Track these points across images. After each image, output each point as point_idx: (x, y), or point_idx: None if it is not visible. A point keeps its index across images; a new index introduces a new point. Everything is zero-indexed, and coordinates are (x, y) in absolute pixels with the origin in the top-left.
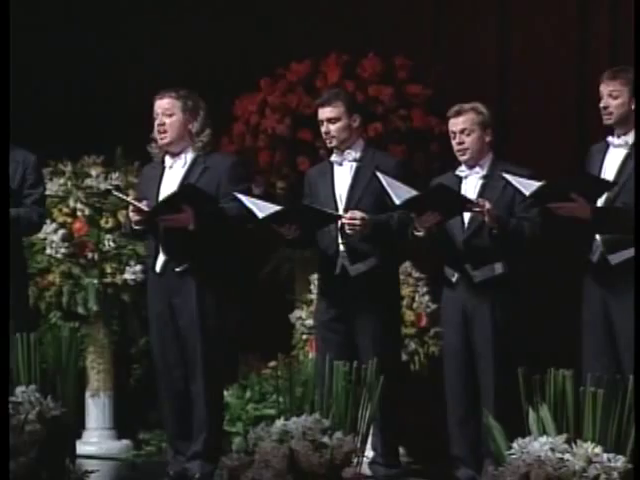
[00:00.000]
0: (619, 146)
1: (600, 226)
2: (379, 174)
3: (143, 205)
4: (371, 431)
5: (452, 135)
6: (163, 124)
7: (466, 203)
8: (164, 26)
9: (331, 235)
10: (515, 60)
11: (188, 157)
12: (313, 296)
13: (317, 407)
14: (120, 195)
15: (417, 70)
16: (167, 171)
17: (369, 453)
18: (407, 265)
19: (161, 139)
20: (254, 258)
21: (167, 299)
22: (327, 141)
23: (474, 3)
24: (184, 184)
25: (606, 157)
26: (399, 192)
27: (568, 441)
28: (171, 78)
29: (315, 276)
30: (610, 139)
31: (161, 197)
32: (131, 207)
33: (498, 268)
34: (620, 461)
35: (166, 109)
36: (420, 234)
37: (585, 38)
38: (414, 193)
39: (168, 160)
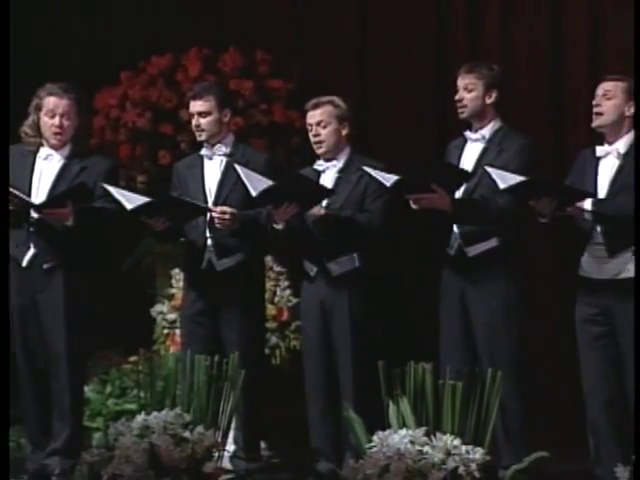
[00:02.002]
0: (476, 140)
1: (459, 217)
2: (237, 166)
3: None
4: (232, 425)
5: (309, 128)
6: (61, 125)
7: (325, 193)
8: (22, 19)
9: (199, 229)
10: (375, 56)
11: (64, 153)
12: (174, 290)
13: (178, 402)
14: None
15: (278, 64)
16: (40, 162)
17: (230, 447)
18: (269, 259)
19: (58, 140)
20: (117, 252)
21: (31, 294)
22: (197, 134)
23: None
24: (79, 182)
25: (464, 152)
26: (257, 184)
27: (427, 434)
28: (35, 71)
29: (176, 270)
30: (467, 133)
31: (35, 188)
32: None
33: (353, 261)
34: (478, 453)
35: (66, 110)
36: (279, 227)
37: (442, 35)
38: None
39: (43, 151)
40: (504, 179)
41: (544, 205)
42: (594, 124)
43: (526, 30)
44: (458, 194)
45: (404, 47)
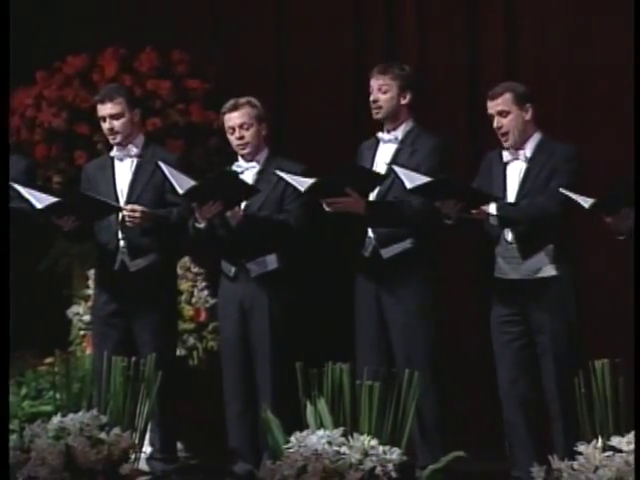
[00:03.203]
0: (389, 141)
1: (373, 220)
2: (162, 164)
3: None
4: (149, 427)
5: (230, 130)
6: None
7: (251, 192)
8: None
9: (111, 230)
10: (292, 57)
11: None
12: (91, 291)
13: (95, 403)
14: None
15: (195, 64)
16: None
17: (147, 449)
18: (186, 260)
19: None
20: (32, 253)
21: None
22: (111, 137)
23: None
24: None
25: (377, 153)
26: (182, 182)
27: (345, 434)
28: None
29: (93, 271)
30: (380, 135)
31: None
32: None
33: (272, 262)
34: (395, 453)
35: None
36: (201, 226)
37: (359, 36)
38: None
39: None
40: (411, 179)
41: (449, 207)
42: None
43: (441, 31)
44: (372, 196)
45: (321, 48)
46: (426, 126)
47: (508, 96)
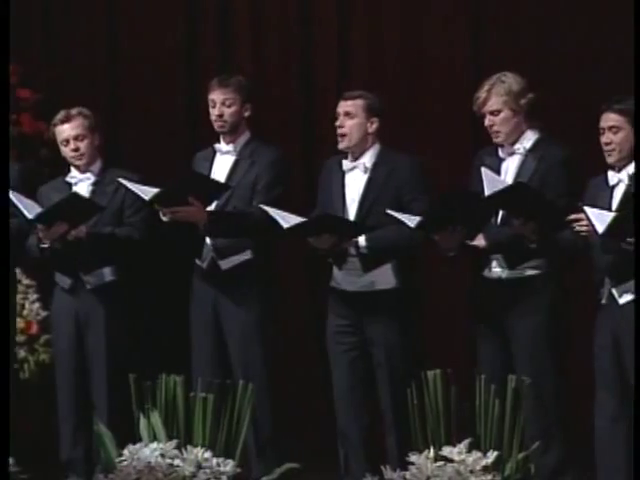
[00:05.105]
0: (227, 153)
1: (213, 230)
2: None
3: None
4: None
5: (64, 142)
6: None
7: (95, 208)
8: None
9: None
10: (123, 69)
11: None
12: None
13: None
14: None
15: (27, 74)
16: None
17: None
18: (18, 272)
19: None
20: None
21: None
22: None
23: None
24: None
25: (214, 164)
26: (31, 210)
27: (178, 447)
28: None
29: None
30: (217, 146)
31: None
32: None
33: (109, 274)
34: (229, 465)
35: None
36: (46, 246)
37: (192, 50)
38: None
39: None
40: (145, 192)
41: (326, 242)
42: (340, 146)
43: (276, 45)
44: (211, 207)
45: (153, 62)
46: (261, 137)
47: (360, 102)
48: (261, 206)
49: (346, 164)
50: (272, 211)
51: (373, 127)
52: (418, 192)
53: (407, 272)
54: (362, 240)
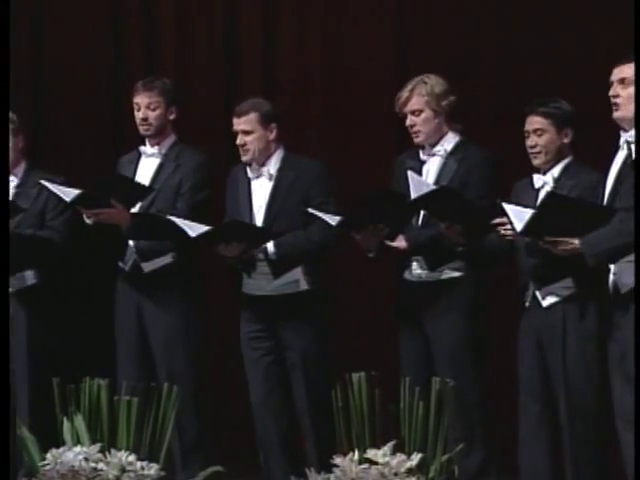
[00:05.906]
0: (151, 155)
1: (136, 232)
2: None
3: None
4: None
5: None
6: None
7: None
8: None
9: None
10: (49, 69)
11: None
12: None
13: None
14: None
15: None
16: None
17: None
18: None
19: None
20: None
21: None
22: None
23: None
24: None
25: (139, 167)
26: None
27: (102, 450)
28: None
29: None
30: (142, 148)
31: None
32: None
33: (30, 277)
34: (153, 469)
35: None
36: None
37: (118, 52)
38: None
39: None
40: (67, 194)
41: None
42: (244, 159)
43: (202, 47)
44: (135, 209)
45: (77, 63)
46: (187, 140)
47: (253, 116)
48: (169, 217)
49: (251, 172)
50: (179, 221)
51: (273, 134)
52: (325, 195)
53: (317, 274)
54: (270, 246)
